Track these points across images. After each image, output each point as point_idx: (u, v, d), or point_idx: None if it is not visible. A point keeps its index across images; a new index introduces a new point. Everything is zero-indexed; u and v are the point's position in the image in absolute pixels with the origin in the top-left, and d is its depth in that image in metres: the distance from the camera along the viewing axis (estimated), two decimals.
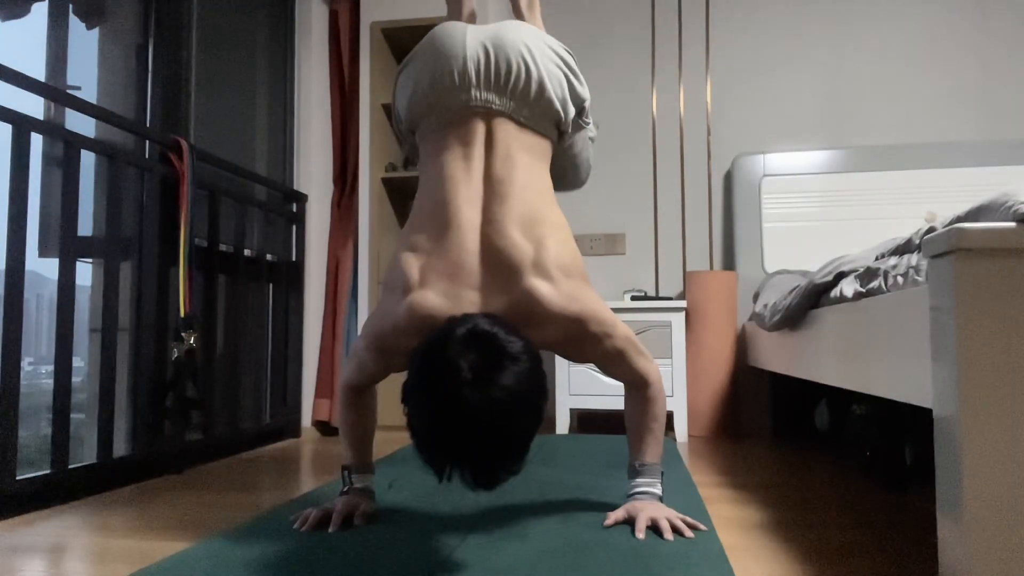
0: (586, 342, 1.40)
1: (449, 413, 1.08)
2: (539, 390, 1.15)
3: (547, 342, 1.38)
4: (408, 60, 1.56)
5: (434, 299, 1.33)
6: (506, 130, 1.46)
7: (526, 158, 1.46)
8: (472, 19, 1.80)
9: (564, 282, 1.36)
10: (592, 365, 2.88)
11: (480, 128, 1.46)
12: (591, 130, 1.71)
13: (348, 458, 1.55)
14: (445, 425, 1.09)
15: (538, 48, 1.49)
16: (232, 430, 2.58)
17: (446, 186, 1.42)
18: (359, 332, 3.10)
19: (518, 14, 1.82)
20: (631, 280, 3.41)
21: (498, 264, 1.35)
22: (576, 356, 1.46)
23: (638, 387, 1.51)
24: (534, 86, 1.47)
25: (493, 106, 1.46)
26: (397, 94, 1.60)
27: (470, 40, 1.47)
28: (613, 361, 1.46)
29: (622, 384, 1.55)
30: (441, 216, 1.40)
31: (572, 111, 1.56)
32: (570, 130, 1.59)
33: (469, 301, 1.33)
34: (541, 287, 1.33)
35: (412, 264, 1.37)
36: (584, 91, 1.58)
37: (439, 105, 1.48)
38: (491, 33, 1.49)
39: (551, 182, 1.53)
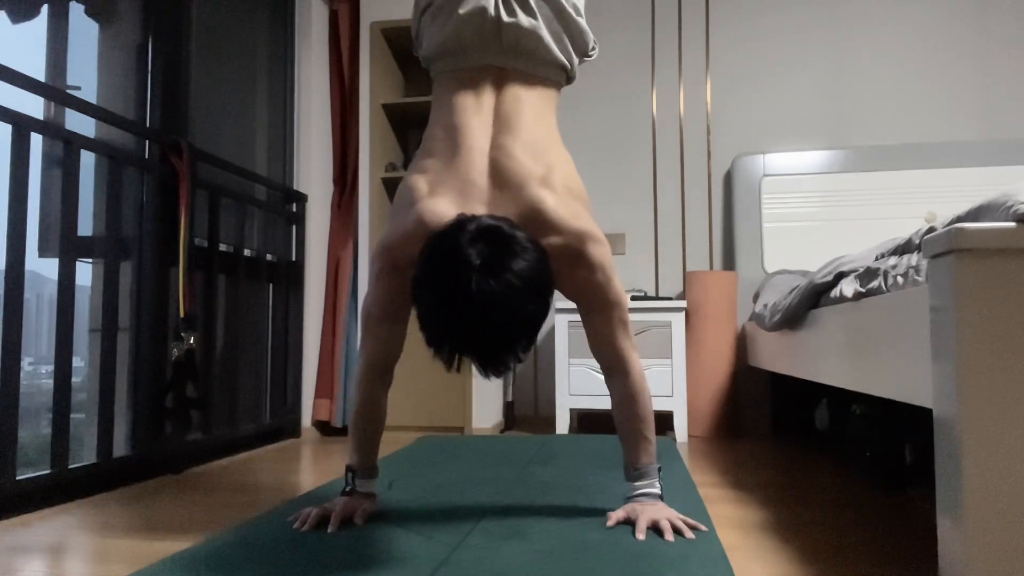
0: (581, 262, 1.41)
1: (459, 299, 1.11)
2: (546, 279, 1.19)
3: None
4: (434, 1, 1.54)
5: (444, 205, 1.37)
6: (516, 80, 1.52)
7: (534, 101, 1.52)
8: None
9: (570, 200, 1.41)
10: (594, 364, 2.89)
11: (492, 77, 1.52)
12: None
13: (353, 458, 1.54)
14: (455, 311, 1.12)
15: (552, 5, 1.52)
16: (232, 430, 2.58)
17: (457, 116, 1.48)
18: (360, 329, 3.11)
19: None
20: (631, 280, 3.42)
21: (506, 181, 1.39)
22: (568, 280, 1.45)
23: (617, 374, 1.50)
24: (545, 54, 1.52)
25: (506, 65, 1.52)
26: (422, 31, 1.61)
27: (491, 2, 1.48)
28: (599, 312, 1.46)
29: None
30: (451, 141, 1.45)
31: (577, 61, 1.62)
32: (576, 72, 1.66)
33: (477, 212, 1.34)
34: (547, 197, 1.38)
35: (420, 180, 1.43)
36: (587, 38, 1.61)
37: (457, 59, 1.53)
38: None
39: (556, 127, 1.57)
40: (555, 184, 1.40)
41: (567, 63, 1.57)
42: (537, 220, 1.36)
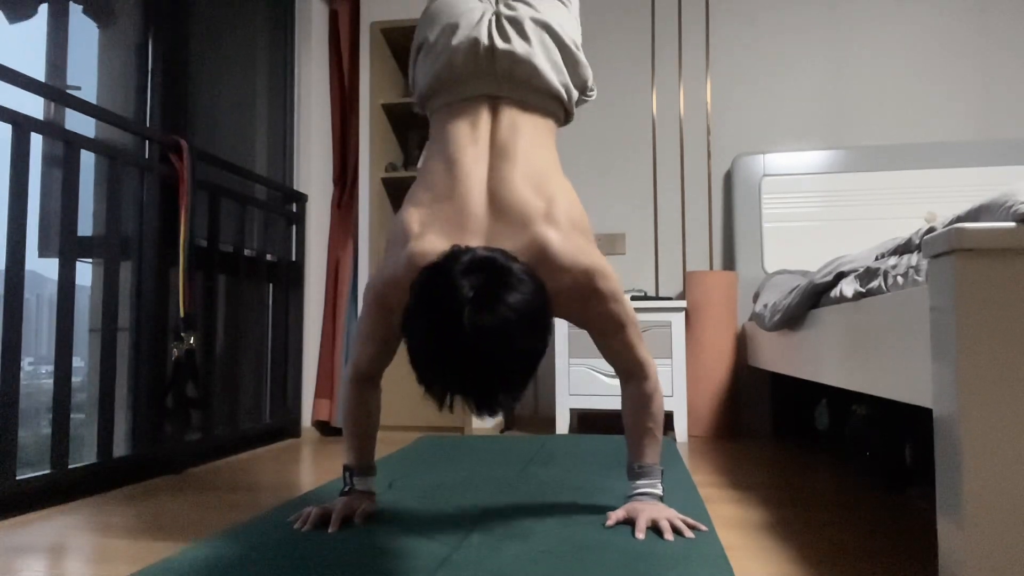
0: (592, 299, 1.39)
1: (451, 332, 1.04)
2: (543, 313, 1.12)
3: (553, 293, 1.35)
4: (427, 40, 1.56)
5: (436, 243, 1.32)
6: (512, 108, 1.50)
7: (530, 130, 1.49)
8: None
9: (575, 235, 1.37)
10: (594, 364, 2.89)
11: (487, 106, 1.51)
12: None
13: (350, 458, 1.54)
14: (447, 346, 1.05)
15: (549, 34, 1.52)
16: (232, 430, 2.58)
17: (452, 147, 1.45)
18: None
19: None
20: (631, 280, 3.42)
21: (505, 213, 1.35)
22: (579, 315, 1.44)
23: (635, 379, 1.50)
24: (541, 83, 1.51)
25: (501, 93, 1.50)
26: (416, 72, 1.62)
27: (484, 31, 1.50)
28: (614, 334, 1.45)
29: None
30: (448, 172, 1.42)
31: (576, 95, 1.60)
32: (575, 109, 1.64)
33: (474, 244, 1.31)
34: (552, 236, 1.33)
35: (413, 216, 1.39)
36: (586, 72, 1.60)
37: (451, 90, 1.52)
38: (505, 21, 1.51)
39: (556, 156, 1.55)
40: (558, 219, 1.36)
41: (564, 93, 1.54)
42: (543, 259, 1.32)
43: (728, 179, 3.38)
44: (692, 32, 3.46)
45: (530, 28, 1.49)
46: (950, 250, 1.01)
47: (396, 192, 3.39)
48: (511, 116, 1.48)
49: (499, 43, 1.47)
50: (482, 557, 1.26)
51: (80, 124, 2.03)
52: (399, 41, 3.34)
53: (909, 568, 1.25)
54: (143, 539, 1.47)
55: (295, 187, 3.19)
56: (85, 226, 2.15)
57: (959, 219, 1.13)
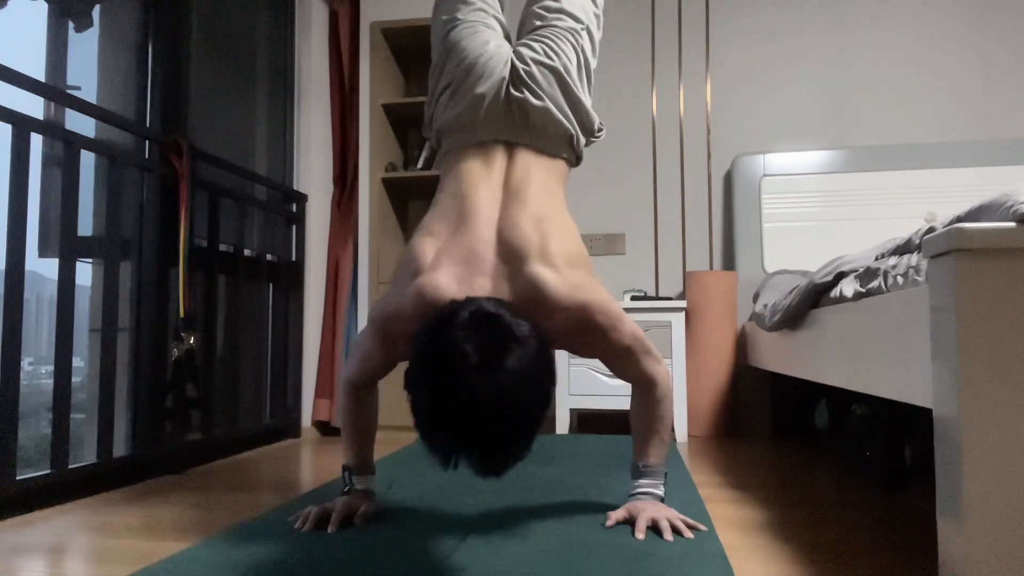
0: (592, 333, 1.40)
1: (456, 398, 1.05)
2: (547, 373, 1.13)
3: (553, 332, 1.38)
4: (453, 80, 1.59)
5: (444, 281, 1.34)
6: (526, 154, 1.54)
7: (543, 175, 1.53)
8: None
9: (569, 271, 1.38)
10: (594, 364, 2.89)
11: (503, 150, 1.55)
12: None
13: (349, 458, 1.55)
14: (452, 411, 1.06)
15: (559, 82, 1.56)
16: (232, 430, 2.58)
17: (467, 183, 1.49)
18: (360, 329, 3.11)
19: None
20: (631, 280, 3.41)
21: (508, 253, 1.38)
22: (581, 349, 1.46)
23: (646, 388, 1.51)
24: (554, 129, 1.56)
25: (517, 140, 1.54)
26: (437, 108, 1.65)
27: (505, 82, 1.54)
28: (619, 358, 1.46)
29: (627, 383, 1.54)
30: (460, 208, 1.45)
31: (583, 139, 1.64)
32: (583, 151, 1.68)
33: (480, 287, 1.34)
34: (546, 274, 1.35)
35: (427, 248, 1.41)
36: (591, 119, 1.64)
37: (471, 132, 1.56)
38: (522, 72, 1.54)
39: (563, 197, 1.58)
40: (552, 255, 1.37)
41: (574, 138, 1.59)
42: (537, 298, 1.34)
43: (728, 179, 3.38)
44: (692, 32, 3.46)
45: (543, 78, 1.54)
46: (950, 250, 1.01)
47: (396, 192, 3.39)
48: (525, 161, 1.52)
49: (515, 94, 1.52)
50: (482, 557, 1.26)
51: (80, 124, 2.03)
52: (399, 41, 3.34)
53: (909, 568, 1.25)
54: (143, 539, 1.47)
55: (295, 187, 3.19)
56: (85, 226, 2.14)
57: (959, 219, 1.13)
